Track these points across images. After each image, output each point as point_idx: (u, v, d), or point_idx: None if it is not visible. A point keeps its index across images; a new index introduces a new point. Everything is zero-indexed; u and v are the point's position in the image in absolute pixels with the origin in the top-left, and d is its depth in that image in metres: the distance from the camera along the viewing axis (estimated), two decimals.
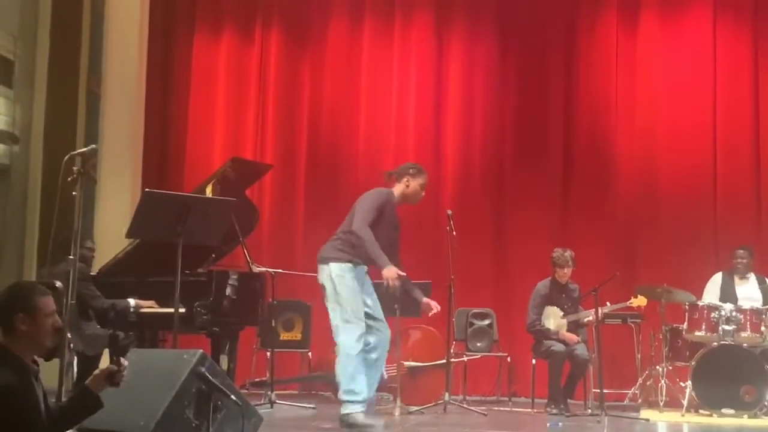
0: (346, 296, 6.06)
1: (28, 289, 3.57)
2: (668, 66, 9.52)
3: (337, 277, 6.07)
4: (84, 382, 3.65)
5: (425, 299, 6.38)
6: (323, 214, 9.45)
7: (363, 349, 6.02)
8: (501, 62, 9.90)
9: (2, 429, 3.23)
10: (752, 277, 8.26)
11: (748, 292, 8.19)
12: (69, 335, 4.67)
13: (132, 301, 6.64)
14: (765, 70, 9.41)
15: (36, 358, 3.56)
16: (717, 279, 8.31)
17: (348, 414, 5.98)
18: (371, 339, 6.11)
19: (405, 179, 6.37)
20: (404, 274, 6.10)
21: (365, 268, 6.21)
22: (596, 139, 9.64)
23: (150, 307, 6.66)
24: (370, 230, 6.03)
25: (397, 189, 6.39)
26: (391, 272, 5.98)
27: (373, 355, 6.11)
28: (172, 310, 5.58)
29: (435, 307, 6.37)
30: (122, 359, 3.64)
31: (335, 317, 6.07)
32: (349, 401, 5.99)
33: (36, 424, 3.32)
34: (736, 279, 8.26)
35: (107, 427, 4.40)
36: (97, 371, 3.63)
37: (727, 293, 8.17)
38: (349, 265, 6.11)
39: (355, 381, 5.99)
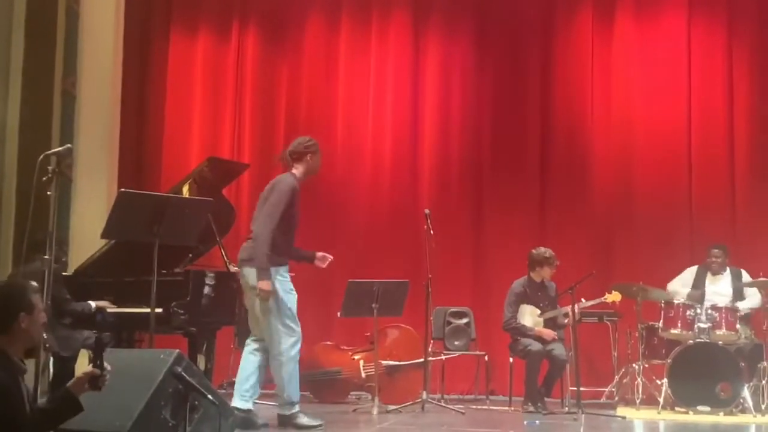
0: (286, 299, 6.06)
1: (24, 287, 3.58)
2: (643, 66, 9.58)
3: (275, 280, 6.02)
4: (66, 385, 3.63)
5: (318, 253, 6.45)
6: (300, 214, 9.44)
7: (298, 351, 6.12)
8: (478, 62, 9.93)
9: None
10: (727, 273, 8.32)
11: (718, 288, 8.25)
12: (44, 335, 4.63)
13: (93, 304, 6.62)
14: (739, 70, 9.49)
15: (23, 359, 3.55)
16: (691, 272, 8.41)
17: (292, 414, 6.07)
18: None
19: (307, 157, 6.31)
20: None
21: (287, 266, 6.21)
22: (573, 139, 9.69)
23: (108, 306, 6.64)
24: (269, 234, 5.97)
25: (299, 169, 6.30)
26: (267, 285, 5.94)
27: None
28: (148, 310, 5.56)
29: (328, 256, 6.46)
30: (106, 363, 3.61)
31: (274, 321, 6.02)
32: (288, 403, 6.09)
33: (22, 423, 3.30)
34: (709, 275, 8.33)
35: (83, 427, 4.37)
36: (80, 374, 3.61)
37: (697, 287, 8.25)
38: (283, 267, 6.11)
39: (293, 384, 6.09)
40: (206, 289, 6.53)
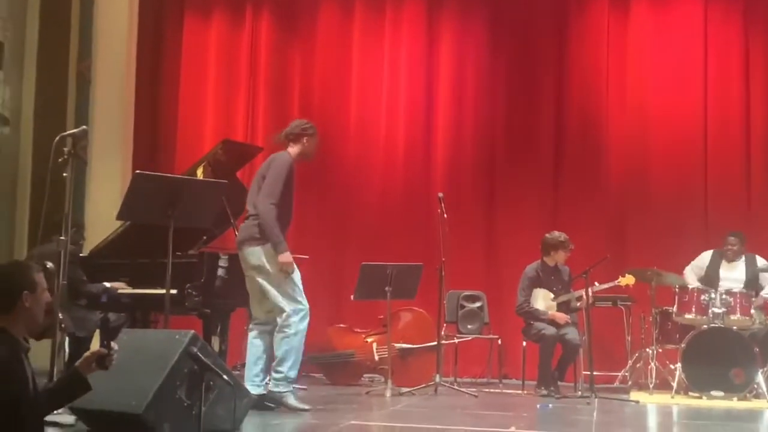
0: (292, 275, 6.04)
1: (27, 266, 3.60)
2: (659, 49, 9.52)
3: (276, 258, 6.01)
4: (73, 365, 3.65)
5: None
6: (313, 197, 9.48)
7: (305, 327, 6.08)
8: (492, 48, 9.89)
9: None
10: (741, 260, 8.29)
11: (733, 275, 8.23)
12: (60, 316, 4.66)
13: (107, 284, 6.66)
14: (755, 56, 9.42)
15: (27, 338, 3.57)
16: (706, 257, 8.36)
17: (283, 393, 6.02)
18: None
19: (304, 140, 6.34)
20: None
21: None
22: (587, 124, 9.65)
23: (122, 287, 6.68)
24: (274, 210, 5.98)
25: (294, 150, 6.32)
26: (287, 258, 5.97)
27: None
28: (163, 291, 5.58)
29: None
30: (113, 343, 3.64)
31: (281, 296, 6.01)
32: (283, 380, 6.03)
33: (25, 402, 3.32)
34: (724, 262, 8.30)
35: (100, 407, 4.43)
36: (87, 353, 3.63)
37: (711, 274, 8.23)
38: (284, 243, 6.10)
39: (294, 361, 6.04)
40: (220, 271, 6.54)
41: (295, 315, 6.02)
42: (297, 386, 7.51)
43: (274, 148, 9.39)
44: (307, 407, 6.05)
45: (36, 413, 3.45)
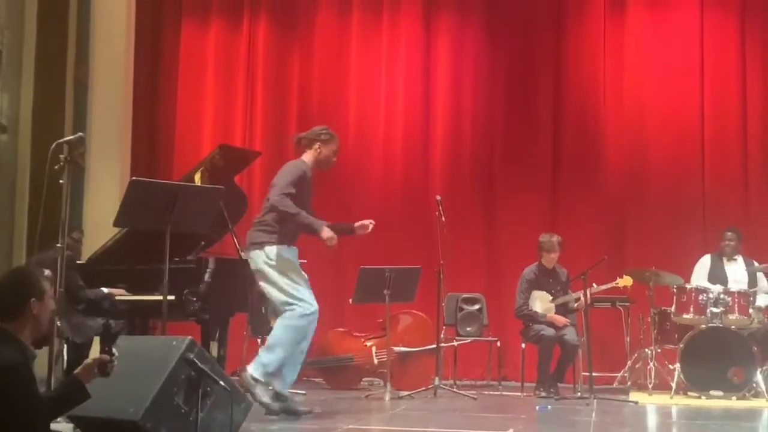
0: (293, 275, 5.93)
1: (34, 273, 3.61)
2: (656, 50, 9.54)
3: (277, 258, 5.92)
4: (73, 372, 3.65)
5: (356, 224, 6.30)
6: (313, 201, 9.45)
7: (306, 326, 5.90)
8: (490, 49, 9.91)
9: (4, 408, 3.24)
10: (740, 259, 8.31)
11: (736, 274, 8.24)
12: (58, 323, 4.67)
13: (105, 290, 6.66)
14: (752, 56, 9.45)
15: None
16: (705, 261, 8.36)
17: (258, 383, 5.76)
18: None
19: (316, 145, 6.17)
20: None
21: (296, 249, 6.09)
22: (585, 125, 9.67)
23: (121, 294, 6.67)
24: (287, 198, 5.87)
25: (308, 156, 6.18)
26: (328, 233, 5.87)
27: (304, 343, 5.99)
28: (161, 297, 5.58)
29: (369, 222, 6.30)
30: (114, 349, 3.64)
31: (285, 296, 5.88)
32: (262, 369, 5.79)
33: (35, 406, 3.34)
34: (725, 261, 8.31)
35: (97, 414, 4.42)
36: (88, 360, 3.63)
37: (717, 275, 8.23)
38: (284, 246, 5.97)
39: (280, 354, 5.80)
40: (218, 277, 6.55)
41: (298, 308, 5.86)
42: (295, 391, 7.53)
43: (273, 152, 9.52)
44: (276, 411, 5.80)
45: (45, 419, 3.46)
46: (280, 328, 5.90)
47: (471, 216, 9.58)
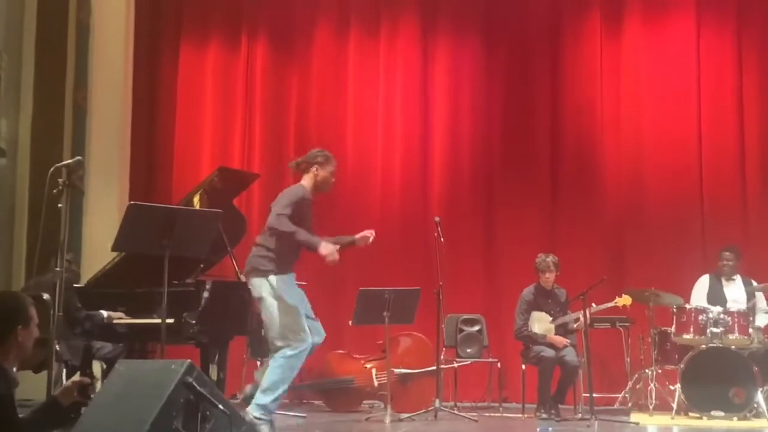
0: (294, 310, 5.94)
1: (22, 299, 3.59)
2: (652, 69, 9.57)
3: (281, 290, 5.93)
4: (53, 394, 3.63)
5: (357, 236, 6.32)
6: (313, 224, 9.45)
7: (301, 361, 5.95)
8: (487, 68, 9.94)
9: None
10: (738, 278, 8.30)
11: (735, 293, 8.22)
12: (57, 347, 4.65)
13: (105, 313, 6.64)
14: (749, 72, 9.47)
15: (17, 370, 3.57)
16: (704, 281, 8.35)
17: (259, 421, 5.83)
18: (316, 339, 6.08)
19: (314, 168, 6.19)
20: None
21: (294, 274, 6.12)
22: (583, 144, 9.69)
23: (120, 318, 6.66)
24: (287, 220, 5.87)
25: (307, 180, 6.20)
26: (329, 248, 5.89)
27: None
28: (160, 320, 5.57)
29: (370, 233, 6.32)
30: (94, 374, 3.63)
31: (281, 334, 5.91)
32: (260, 408, 5.86)
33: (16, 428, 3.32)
34: (724, 281, 8.30)
35: None
36: (67, 383, 3.61)
37: (716, 295, 8.21)
38: (290, 274, 6.03)
39: (275, 393, 5.89)
40: (217, 299, 6.53)
41: (289, 350, 5.90)
42: (296, 414, 7.52)
43: (271, 174, 9.52)
44: None
45: None
46: (274, 371, 5.90)
47: (470, 237, 9.57)
